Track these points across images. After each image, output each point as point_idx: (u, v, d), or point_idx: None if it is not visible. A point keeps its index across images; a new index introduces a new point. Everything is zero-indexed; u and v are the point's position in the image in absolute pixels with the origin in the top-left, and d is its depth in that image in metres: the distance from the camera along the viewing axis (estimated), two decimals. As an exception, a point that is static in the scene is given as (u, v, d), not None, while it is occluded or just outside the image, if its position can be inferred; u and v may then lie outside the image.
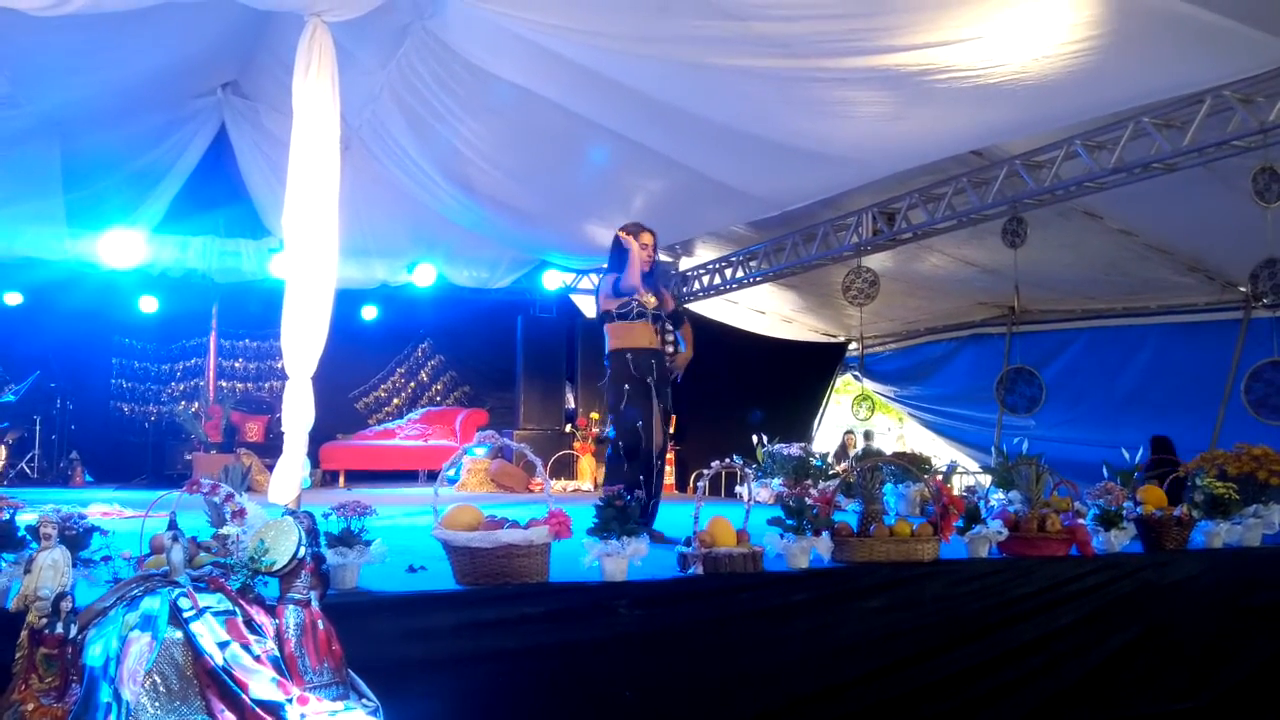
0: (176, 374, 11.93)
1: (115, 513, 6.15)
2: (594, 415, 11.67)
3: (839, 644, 3.75)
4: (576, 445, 11.59)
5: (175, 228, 10.37)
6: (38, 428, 10.76)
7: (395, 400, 13.07)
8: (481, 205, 9.67)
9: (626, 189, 8.94)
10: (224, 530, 2.77)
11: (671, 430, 5.75)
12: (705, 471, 3.90)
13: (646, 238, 5.55)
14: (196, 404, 11.21)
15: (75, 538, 2.87)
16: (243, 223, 10.56)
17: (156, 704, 2.47)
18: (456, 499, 8.37)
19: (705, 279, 11.34)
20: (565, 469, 11.08)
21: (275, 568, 2.66)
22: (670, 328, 5.88)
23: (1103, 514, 4.78)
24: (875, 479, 4.11)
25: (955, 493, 5.27)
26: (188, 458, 10.16)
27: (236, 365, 12.09)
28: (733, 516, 3.92)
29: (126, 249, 9.95)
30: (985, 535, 4.26)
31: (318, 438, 9.06)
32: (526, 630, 3.29)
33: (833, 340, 13.24)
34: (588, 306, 12.66)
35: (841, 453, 11.95)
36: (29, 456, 10.73)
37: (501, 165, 8.78)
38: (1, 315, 10.64)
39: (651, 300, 5.50)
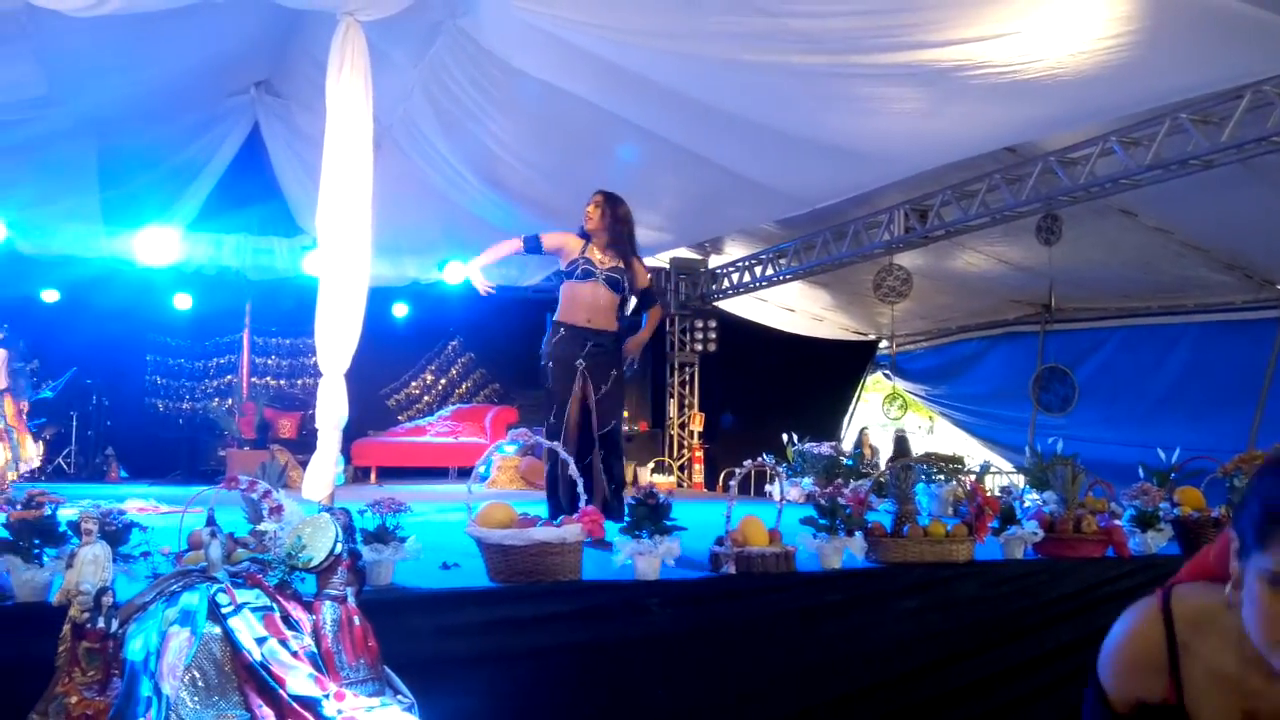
0: (210, 371, 12.04)
1: (151, 508, 6.23)
2: (623, 413, 11.69)
3: (872, 645, 3.74)
4: (605, 443, 11.59)
5: (209, 225, 10.44)
6: (74, 424, 10.92)
7: (426, 397, 13.13)
8: (511, 203, 9.69)
9: (655, 186, 8.92)
10: (261, 526, 2.79)
11: (620, 423, 5.18)
12: (736, 470, 3.89)
13: (595, 198, 5.34)
14: (230, 400, 11.31)
15: (115, 533, 2.89)
16: (276, 220, 10.62)
17: (195, 698, 2.50)
18: (487, 496, 8.41)
19: (734, 276, 11.31)
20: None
21: (312, 564, 2.67)
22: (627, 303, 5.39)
23: (1139, 515, 4.73)
24: (908, 479, 4.08)
25: (989, 493, 5.24)
26: (221, 454, 10.24)
27: (269, 362, 12.18)
28: (764, 516, 3.91)
29: (161, 247, 10.04)
30: (1021, 536, 4.22)
31: (350, 434, 9.11)
32: (559, 628, 3.30)
33: (863, 338, 13.18)
34: (615, 305, 12.69)
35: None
36: (65, 452, 10.89)
37: (531, 162, 8.79)
38: (39, 312, 10.72)
39: (602, 258, 5.15)
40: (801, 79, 5.96)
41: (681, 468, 12.20)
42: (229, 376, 11.98)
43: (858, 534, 3.82)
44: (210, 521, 2.75)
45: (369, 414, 11.70)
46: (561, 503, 4.89)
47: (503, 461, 10.75)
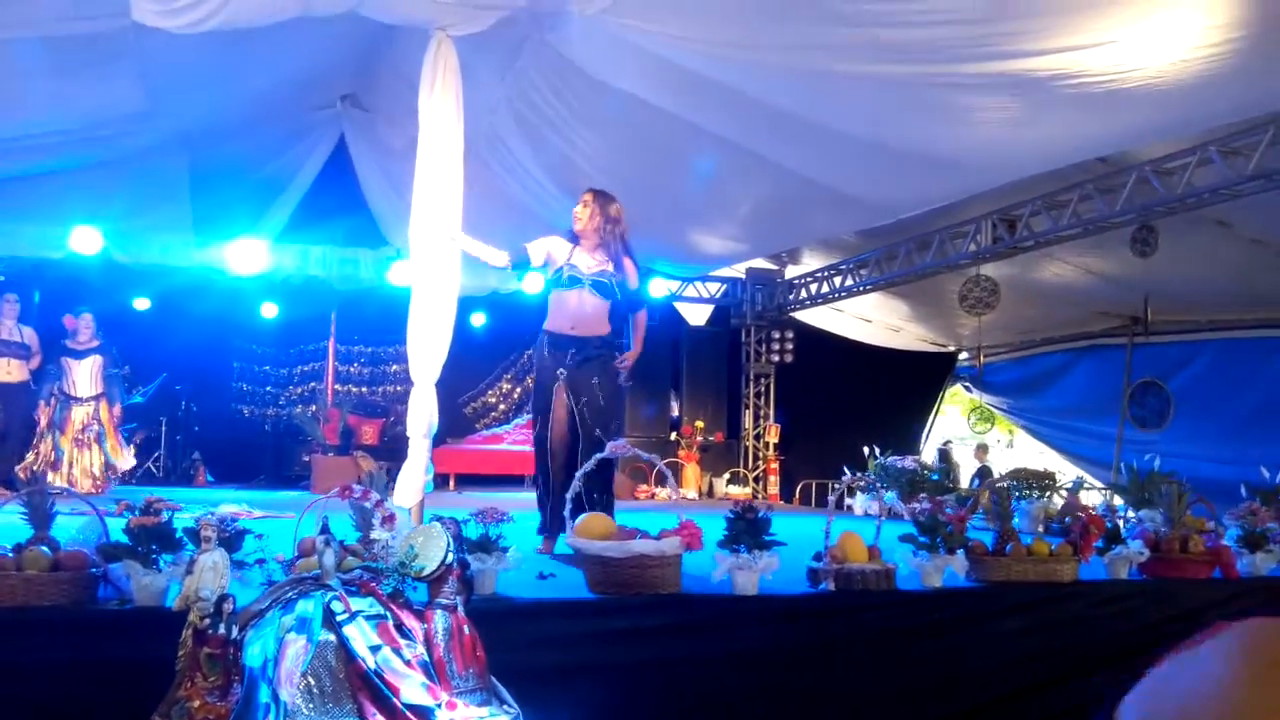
0: (295, 378, 12.28)
1: (245, 513, 6.35)
2: (699, 424, 11.65)
3: (974, 666, 3.67)
4: (682, 453, 11.59)
5: (296, 236, 10.64)
6: (163, 428, 11.21)
7: (502, 405, 13.24)
8: (592, 214, 9.74)
9: (734, 196, 8.92)
10: (374, 535, 2.83)
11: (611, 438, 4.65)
12: (837, 485, 3.84)
13: (584, 197, 5.00)
14: (314, 407, 11.52)
15: (228, 540, 2.96)
16: (361, 232, 10.79)
17: (311, 705, 2.53)
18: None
19: (813, 287, 11.23)
20: (671, 477, 11.07)
21: (425, 573, 2.70)
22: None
23: (1246, 535, 4.59)
24: (1008, 497, 4.00)
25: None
26: (305, 459, 10.44)
27: (352, 370, 12.38)
28: (859, 531, 3.86)
29: (251, 257, 10.25)
30: (1126, 556, 4.11)
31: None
32: (658, 641, 3.29)
33: (942, 350, 12.99)
34: (692, 314, 12.67)
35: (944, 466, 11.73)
36: (155, 456, 11.18)
37: (613, 174, 8.79)
38: (132, 319, 10.97)
39: (590, 262, 4.81)
40: (891, 89, 5.90)
41: (757, 479, 12.13)
42: (313, 384, 12.21)
43: (959, 552, 3.75)
44: (324, 530, 2.79)
45: (447, 422, 11.70)
46: (546, 516, 4.77)
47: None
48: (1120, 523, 4.92)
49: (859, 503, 7.54)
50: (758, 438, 12.31)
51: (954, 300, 10.89)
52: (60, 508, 3.16)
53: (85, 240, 9.72)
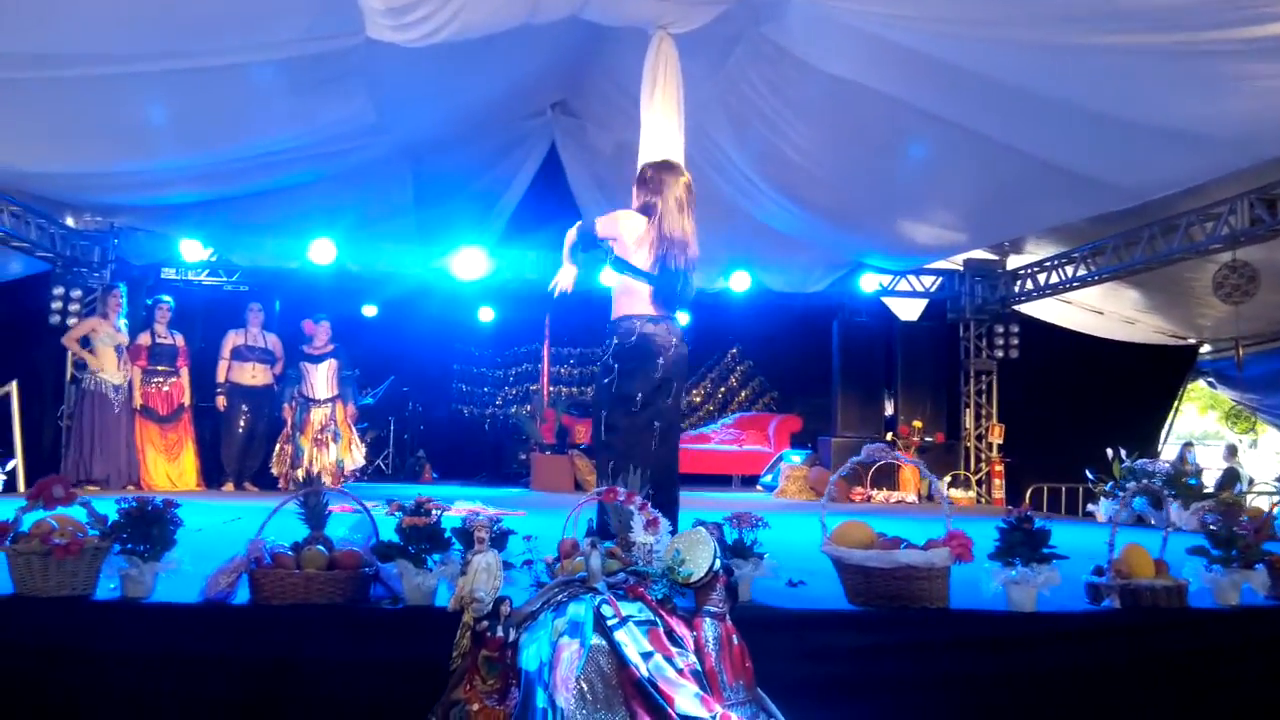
0: (510, 379, 12.66)
1: (479, 510, 6.54)
2: (917, 424, 11.22)
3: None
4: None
5: (513, 241, 10.91)
6: (391, 428, 11.76)
7: (707, 406, 13.21)
8: (803, 209, 9.53)
9: (955, 183, 8.49)
10: (641, 539, 2.78)
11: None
12: (1118, 493, 3.54)
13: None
14: (528, 407, 11.83)
15: (494, 540, 2.97)
16: (575, 235, 10.93)
17: (584, 710, 2.49)
18: (779, 506, 8.25)
19: (1041, 278, 10.59)
20: (887, 478, 10.69)
21: (693, 579, 2.63)
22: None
23: None
24: (1316, 504, 3.58)
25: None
26: (522, 457, 10.71)
27: (562, 371, 12.64)
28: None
29: (472, 263, 10.56)
30: None
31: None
32: (927, 658, 3.10)
33: (1182, 342, 12.01)
34: (904, 310, 12.20)
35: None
36: (384, 454, 11.74)
37: (825, 165, 8.59)
38: (362, 325, 11.56)
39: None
40: (1145, 59, 5.44)
41: (980, 482, 11.57)
42: (527, 385, 12.54)
43: (1259, 567, 3.38)
44: (590, 532, 2.76)
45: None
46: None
47: (791, 471, 10.62)
48: None
49: (1102, 509, 7.02)
50: (980, 438, 11.73)
51: (1193, 288, 10.04)
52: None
53: (322, 251, 10.24)
